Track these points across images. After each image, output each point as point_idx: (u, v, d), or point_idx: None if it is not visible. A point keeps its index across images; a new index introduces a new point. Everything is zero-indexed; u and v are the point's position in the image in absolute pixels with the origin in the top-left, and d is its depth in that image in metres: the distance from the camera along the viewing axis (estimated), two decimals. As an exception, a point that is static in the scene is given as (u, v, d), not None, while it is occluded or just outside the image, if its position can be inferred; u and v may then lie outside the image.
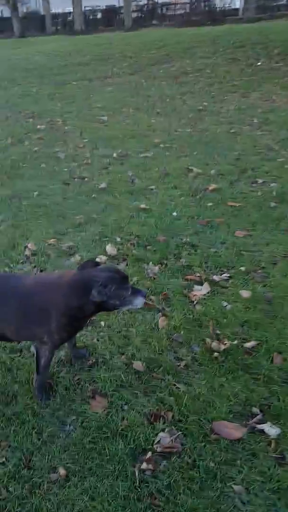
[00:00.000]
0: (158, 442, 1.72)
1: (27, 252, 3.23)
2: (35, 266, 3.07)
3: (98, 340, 2.31)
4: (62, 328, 1.82)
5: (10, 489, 1.59)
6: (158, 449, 1.70)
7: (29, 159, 5.41)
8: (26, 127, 6.91)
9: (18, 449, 1.74)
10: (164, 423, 1.80)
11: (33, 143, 6.08)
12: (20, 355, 2.24)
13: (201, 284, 2.71)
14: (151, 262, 2.98)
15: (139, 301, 1.79)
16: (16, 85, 10.87)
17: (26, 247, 3.30)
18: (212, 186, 4.09)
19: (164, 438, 1.73)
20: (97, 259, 3.07)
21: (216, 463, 1.64)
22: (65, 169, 4.99)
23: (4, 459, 1.70)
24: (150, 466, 1.64)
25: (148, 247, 3.20)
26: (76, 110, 7.72)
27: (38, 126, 6.87)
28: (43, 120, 7.29)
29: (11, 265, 3.09)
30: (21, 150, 5.76)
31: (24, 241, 3.40)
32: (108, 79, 10.38)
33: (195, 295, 2.61)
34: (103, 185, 4.38)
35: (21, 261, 3.15)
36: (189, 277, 2.78)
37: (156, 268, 2.91)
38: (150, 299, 2.62)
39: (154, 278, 2.82)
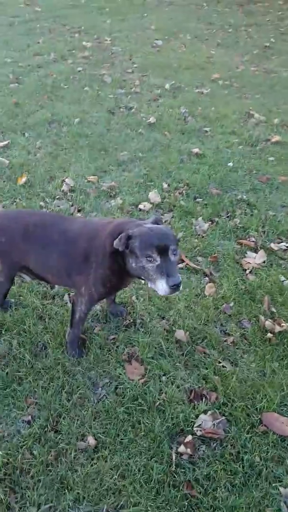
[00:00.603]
0: (199, 425, 1.55)
1: (64, 188, 2.94)
2: (72, 205, 2.80)
3: (137, 299, 2.09)
4: (100, 280, 1.62)
5: (34, 452, 1.47)
6: (198, 433, 1.53)
7: (72, 80, 4.91)
8: (71, 43, 6.25)
9: (46, 408, 1.60)
10: (206, 404, 1.62)
11: (77, 62, 5.50)
12: (52, 302, 2.06)
13: (255, 251, 2.41)
14: (200, 218, 2.66)
15: (161, 287, 1.39)
16: (62, -8, 9.81)
17: (63, 181, 3.01)
18: (276, 137, 3.60)
19: (206, 421, 1.56)
20: (140, 207, 2.78)
21: (262, 458, 1.47)
22: (111, 96, 4.51)
23: (29, 418, 1.57)
24: (189, 451, 1.48)
25: (199, 199, 2.86)
26: (127, 30, 6.92)
27: (84, 43, 6.20)
28: (90, 37, 6.58)
29: (47, 200, 2.82)
30: (64, 69, 5.23)
31: (62, 174, 3.11)
32: (165, -3, 9.23)
33: (249, 262, 2.33)
34: (151, 119, 3.94)
35: (58, 196, 2.87)
36: (243, 241, 2.48)
37: (206, 225, 2.61)
38: (197, 260, 2.36)
39: (202, 237, 2.52)
